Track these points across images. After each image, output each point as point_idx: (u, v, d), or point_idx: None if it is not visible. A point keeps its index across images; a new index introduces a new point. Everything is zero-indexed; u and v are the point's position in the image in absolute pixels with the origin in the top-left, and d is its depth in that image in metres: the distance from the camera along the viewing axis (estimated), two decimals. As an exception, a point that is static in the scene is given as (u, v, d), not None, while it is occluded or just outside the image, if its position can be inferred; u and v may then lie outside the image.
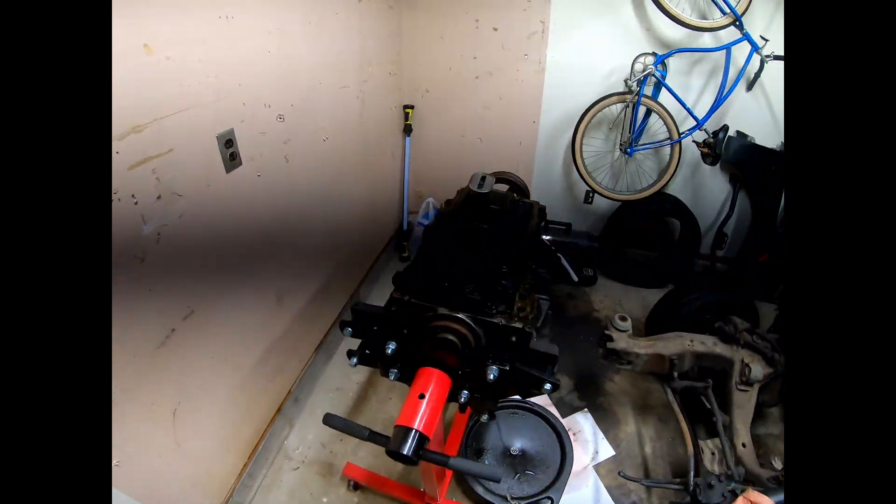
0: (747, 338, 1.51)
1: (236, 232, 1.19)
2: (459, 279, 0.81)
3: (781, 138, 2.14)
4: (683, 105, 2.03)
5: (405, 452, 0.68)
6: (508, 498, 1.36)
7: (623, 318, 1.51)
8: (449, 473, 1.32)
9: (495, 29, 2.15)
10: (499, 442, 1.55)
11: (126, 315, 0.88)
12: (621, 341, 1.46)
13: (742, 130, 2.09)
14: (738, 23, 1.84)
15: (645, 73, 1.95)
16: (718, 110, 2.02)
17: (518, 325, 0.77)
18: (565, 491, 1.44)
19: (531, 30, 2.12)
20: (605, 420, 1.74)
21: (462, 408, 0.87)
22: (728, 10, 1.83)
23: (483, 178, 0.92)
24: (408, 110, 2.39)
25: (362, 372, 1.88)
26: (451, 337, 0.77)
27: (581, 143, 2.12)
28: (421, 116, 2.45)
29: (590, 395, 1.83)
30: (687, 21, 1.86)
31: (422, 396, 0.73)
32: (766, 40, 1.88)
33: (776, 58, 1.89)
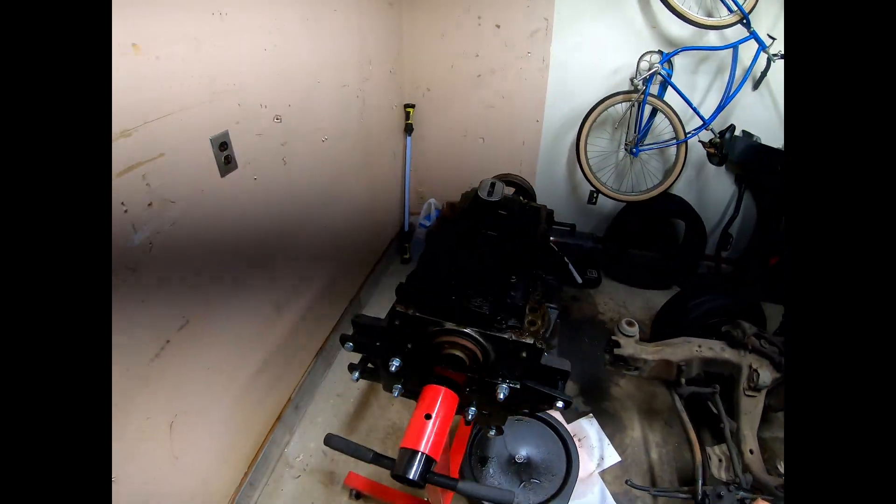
0: (755, 342, 1.48)
1: (232, 238, 1.15)
2: (466, 291, 0.77)
3: (788, 138, 2.11)
4: (690, 104, 1.99)
5: (411, 477, 0.65)
6: (514, 508, 1.33)
7: (630, 324, 1.47)
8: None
9: (498, 26, 2.11)
10: (504, 450, 1.52)
11: (118, 328, 0.84)
12: (628, 347, 1.43)
13: (748, 130, 2.06)
14: (745, 21, 1.81)
15: (651, 71, 1.91)
16: (724, 110, 1.98)
17: (529, 340, 0.73)
18: (571, 498, 1.42)
19: (534, 27, 2.07)
20: (611, 425, 1.71)
21: (468, 421, 0.83)
22: (735, 8, 1.79)
23: (493, 186, 0.88)
24: (409, 109, 2.35)
25: (363, 377, 1.85)
26: (458, 353, 0.73)
27: (585, 143, 2.09)
28: (422, 116, 2.40)
29: (595, 400, 1.80)
30: (693, 18, 1.82)
31: (428, 417, 0.70)
32: (774, 39, 1.85)
33: (783, 57, 1.85)
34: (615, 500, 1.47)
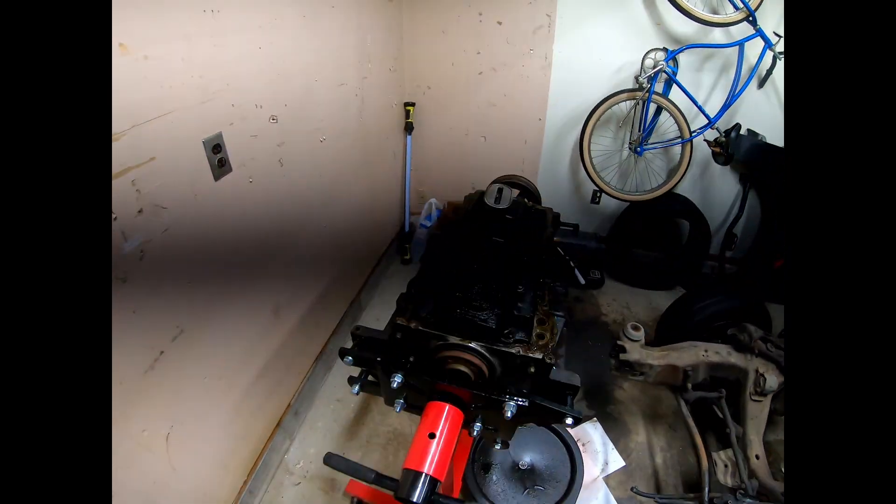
0: (761, 346, 1.46)
1: (228, 243, 1.12)
2: (471, 303, 0.74)
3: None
4: (695, 103, 1.96)
5: (415, 500, 0.62)
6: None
7: (636, 328, 1.45)
8: (456, 494, 1.26)
9: (499, 23, 2.06)
10: (507, 456, 1.49)
11: (108, 340, 0.81)
12: (634, 352, 1.41)
13: (752, 129, 2.02)
14: (751, 18, 1.77)
15: (656, 69, 1.87)
16: (730, 108, 1.95)
17: (538, 355, 0.70)
18: (575, 505, 1.39)
19: (537, 24, 2.03)
20: (615, 429, 1.69)
21: (473, 436, 0.80)
22: (741, 5, 1.75)
23: (500, 192, 0.84)
24: (409, 108, 2.30)
25: (363, 381, 1.82)
26: (463, 368, 0.70)
27: (589, 142, 2.05)
28: (422, 114, 2.36)
29: (599, 404, 1.77)
30: (699, 15, 1.78)
31: (432, 436, 0.67)
32: (780, 36, 1.81)
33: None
34: (620, 506, 1.45)
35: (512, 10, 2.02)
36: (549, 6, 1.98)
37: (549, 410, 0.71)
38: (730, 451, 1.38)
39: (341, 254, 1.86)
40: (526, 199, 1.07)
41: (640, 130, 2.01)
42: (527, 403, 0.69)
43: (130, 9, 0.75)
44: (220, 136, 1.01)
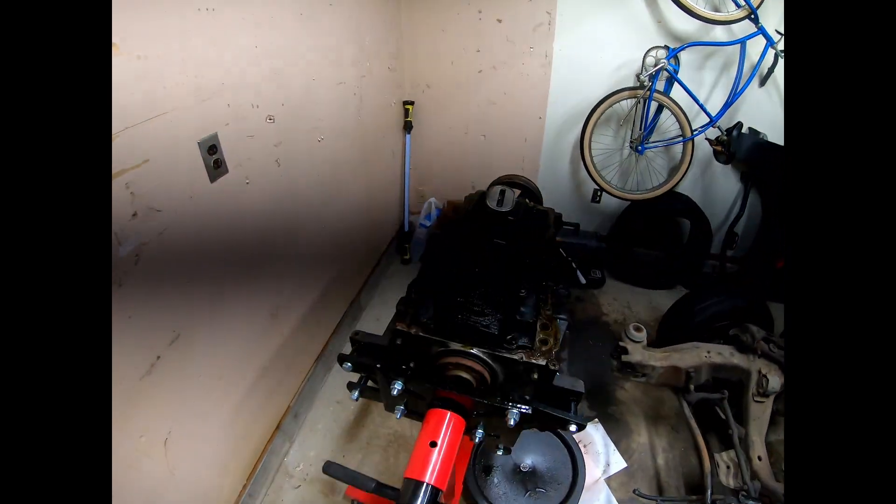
0: (764, 347, 1.45)
1: (225, 246, 1.10)
2: (473, 308, 0.72)
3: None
4: (697, 101, 1.94)
5: (417, 510, 0.61)
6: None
7: (638, 329, 1.44)
8: (457, 497, 1.25)
9: (499, 21, 2.04)
10: (508, 458, 1.48)
11: (102, 346, 0.79)
12: (636, 353, 1.40)
13: (754, 127, 2.00)
14: (753, 16, 1.75)
15: (657, 67, 1.85)
16: (732, 107, 1.93)
17: (541, 361, 0.69)
18: (577, 507, 1.38)
19: (537, 21, 2.00)
20: (617, 430, 1.68)
21: (475, 442, 0.79)
22: (743, 3, 1.74)
23: (502, 193, 0.83)
24: (408, 107, 2.28)
25: (363, 383, 1.81)
26: (464, 375, 0.68)
27: (590, 140, 2.04)
28: (422, 113, 2.34)
29: (600, 405, 1.76)
30: (701, 13, 1.76)
31: (433, 444, 0.65)
32: (782, 34, 1.79)
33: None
34: (622, 507, 1.44)
35: (512, 8, 2.00)
36: (549, 4, 1.96)
37: (553, 417, 0.70)
38: (732, 453, 1.37)
39: (340, 254, 1.85)
40: (527, 200, 1.05)
41: (641, 129, 2.00)
42: (530, 411, 0.68)
43: (124, 7, 0.73)
44: (215, 136, 0.99)
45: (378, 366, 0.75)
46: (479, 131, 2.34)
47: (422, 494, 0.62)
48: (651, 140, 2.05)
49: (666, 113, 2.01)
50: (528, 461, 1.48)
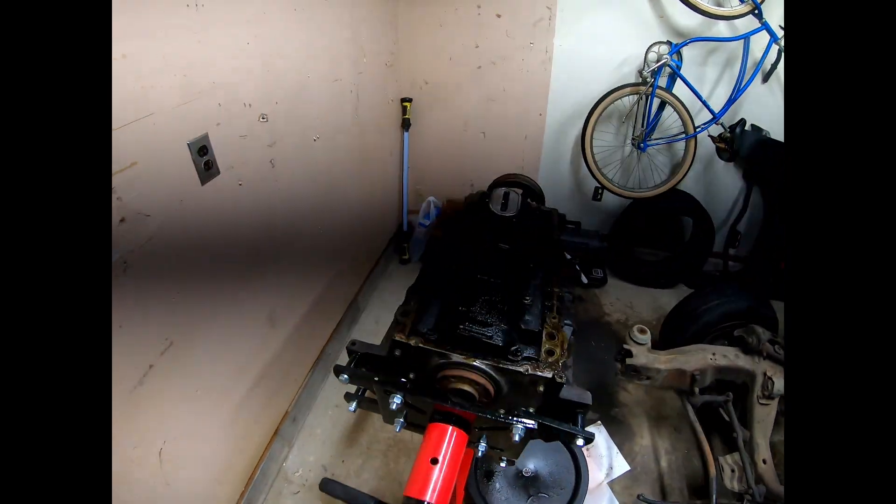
0: (770, 349, 1.43)
1: (218, 250, 1.07)
2: (475, 318, 0.69)
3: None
4: (700, 97, 1.90)
5: (418, 531, 0.58)
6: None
7: (642, 331, 1.41)
8: (459, 503, 1.23)
9: (499, 15, 2.00)
10: (510, 463, 1.46)
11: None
12: (641, 356, 1.37)
13: (756, 124, 1.97)
14: (756, 11, 1.72)
15: (660, 63, 1.82)
16: (735, 103, 1.90)
17: (547, 373, 0.66)
18: (580, 511, 1.36)
19: (537, 16, 1.96)
20: (620, 433, 1.66)
21: (478, 454, 0.76)
22: (748, -3, 1.70)
23: (506, 196, 0.79)
24: (406, 104, 2.24)
25: (362, 386, 1.78)
26: (467, 388, 0.65)
27: (591, 138, 2.00)
28: (420, 110, 2.30)
29: (603, 406, 1.74)
30: (704, 8, 1.73)
31: (434, 462, 0.62)
32: (787, 29, 1.76)
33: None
34: (625, 511, 1.43)
35: (511, 3, 1.96)
36: (549, -2, 1.92)
37: (558, 432, 0.67)
38: (736, 455, 1.36)
39: (338, 255, 1.81)
40: (530, 200, 1.02)
41: (643, 126, 1.96)
42: (536, 426, 0.65)
43: (104, 2, 0.69)
44: (206, 137, 0.95)
45: (376, 379, 0.72)
46: (478, 128, 2.30)
47: (423, 514, 0.59)
48: (653, 137, 2.02)
49: (668, 110, 1.98)
50: (530, 466, 1.46)
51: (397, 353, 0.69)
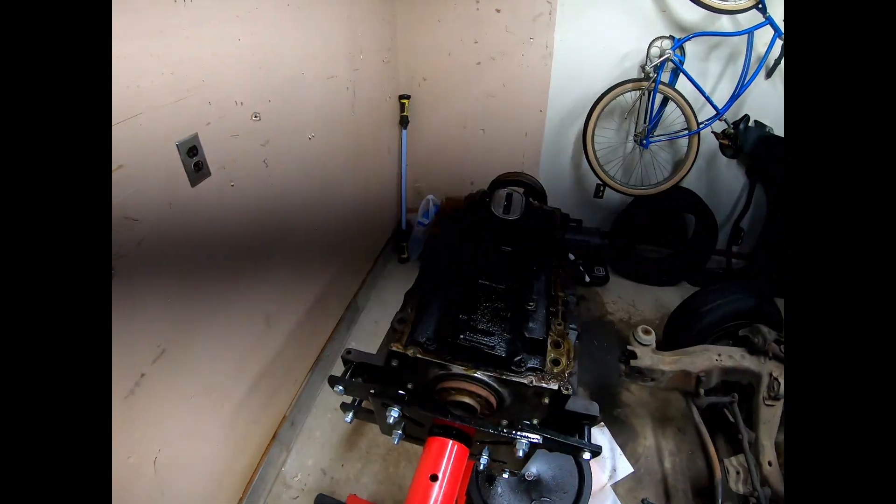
0: (775, 349, 1.40)
1: (210, 254, 1.04)
2: (477, 327, 0.66)
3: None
4: (703, 93, 1.87)
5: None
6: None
7: (646, 332, 1.39)
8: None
9: (498, 11, 1.96)
10: (512, 466, 1.44)
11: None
12: (646, 358, 1.35)
13: (760, 120, 1.94)
14: (760, 5, 1.68)
15: (663, 58, 1.78)
16: (738, 99, 1.87)
17: (552, 385, 0.63)
18: (584, 515, 1.34)
19: (537, 11, 1.92)
20: (623, 434, 1.64)
21: (480, 467, 0.73)
22: (751, -10, 1.66)
23: (509, 198, 0.76)
24: (404, 101, 2.20)
25: (362, 389, 1.76)
26: (468, 400, 0.63)
27: (593, 134, 1.97)
28: (418, 107, 2.26)
29: (606, 407, 1.72)
30: (707, 2, 1.69)
31: (434, 478, 0.60)
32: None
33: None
34: (629, 514, 1.41)
35: (511, -3, 1.92)
36: (549, -8, 1.88)
37: (564, 445, 0.64)
38: (741, 457, 1.34)
39: (336, 255, 1.78)
40: (531, 199, 0.99)
41: (645, 122, 1.93)
42: (540, 440, 0.62)
43: None
44: (196, 137, 0.92)
45: (372, 391, 0.69)
46: (477, 125, 2.27)
47: (424, 533, 0.56)
48: (656, 133, 1.99)
49: (671, 106, 1.94)
50: (532, 469, 1.44)
51: (394, 363, 0.67)
